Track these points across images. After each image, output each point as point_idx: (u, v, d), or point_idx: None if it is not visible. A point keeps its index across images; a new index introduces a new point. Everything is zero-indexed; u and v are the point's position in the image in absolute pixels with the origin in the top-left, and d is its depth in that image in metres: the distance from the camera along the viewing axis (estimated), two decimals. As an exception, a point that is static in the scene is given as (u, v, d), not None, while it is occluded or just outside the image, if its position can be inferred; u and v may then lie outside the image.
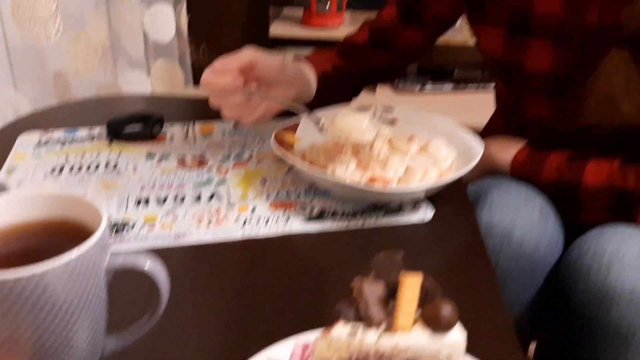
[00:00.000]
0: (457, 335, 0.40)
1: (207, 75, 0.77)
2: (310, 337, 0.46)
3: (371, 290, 0.40)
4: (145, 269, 0.46)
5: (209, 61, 2.04)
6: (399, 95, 2.09)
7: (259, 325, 0.56)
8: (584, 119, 0.82)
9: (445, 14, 0.97)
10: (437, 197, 0.76)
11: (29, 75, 1.22)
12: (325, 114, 0.87)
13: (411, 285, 0.39)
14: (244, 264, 0.66)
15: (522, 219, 0.75)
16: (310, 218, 0.73)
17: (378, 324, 0.39)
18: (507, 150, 0.89)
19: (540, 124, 0.90)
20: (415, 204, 0.76)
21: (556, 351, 0.77)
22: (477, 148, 0.80)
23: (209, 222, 0.71)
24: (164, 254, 0.66)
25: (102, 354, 0.48)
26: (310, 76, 0.94)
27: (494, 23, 0.87)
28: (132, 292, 0.59)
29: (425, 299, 0.41)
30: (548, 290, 0.76)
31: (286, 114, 0.85)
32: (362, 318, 0.39)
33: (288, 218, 0.73)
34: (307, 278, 0.64)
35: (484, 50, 0.93)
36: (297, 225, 0.72)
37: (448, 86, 2.10)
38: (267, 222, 0.72)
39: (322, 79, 0.96)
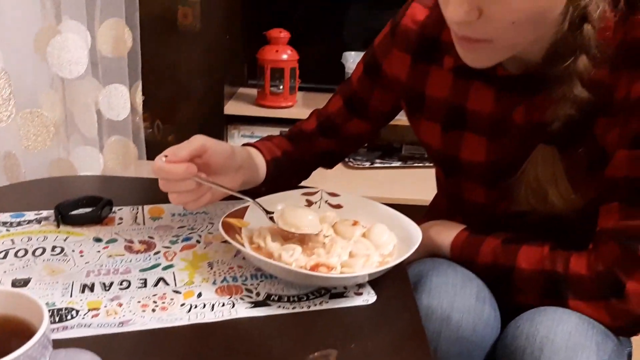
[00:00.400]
0: None
1: (159, 162, 0.80)
2: None
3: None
4: (85, 365, 0.46)
5: (164, 137, 2.08)
6: (350, 170, 2.15)
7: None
8: (517, 206, 0.88)
9: (386, 109, 1.04)
10: (379, 280, 0.79)
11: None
12: (272, 199, 0.90)
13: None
14: (190, 349, 0.67)
15: (460, 303, 0.78)
16: (256, 303, 0.75)
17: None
18: (447, 233, 0.93)
19: (477, 208, 0.95)
20: (359, 287, 0.78)
21: None
22: (416, 234, 0.83)
23: (154, 309, 0.72)
24: (108, 340, 0.66)
25: None
26: (259, 161, 0.98)
27: (431, 118, 0.94)
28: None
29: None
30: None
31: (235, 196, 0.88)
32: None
33: (234, 304, 0.74)
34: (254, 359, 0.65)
35: (423, 142, 0.99)
36: (242, 310, 0.73)
37: (396, 162, 2.19)
38: (212, 308, 0.73)
39: (274, 164, 1.00)
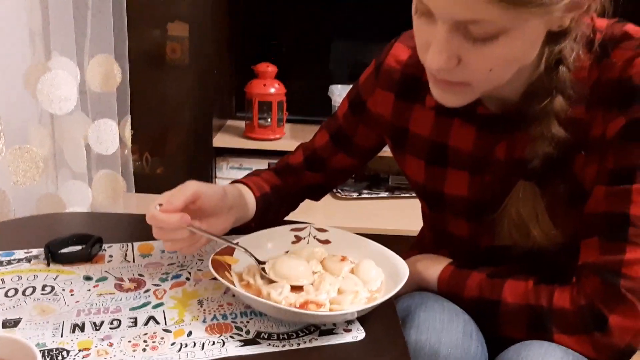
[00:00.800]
0: None
1: (153, 211, 0.81)
2: None
3: None
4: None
5: (152, 170, 2.09)
6: (338, 201, 2.17)
7: None
8: (500, 240, 0.90)
9: (371, 144, 1.06)
10: (368, 316, 0.80)
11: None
12: (260, 236, 0.92)
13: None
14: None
15: (447, 338, 0.79)
16: (246, 342, 0.75)
17: None
18: (434, 268, 0.95)
19: (462, 241, 0.97)
20: (348, 323, 0.79)
21: None
22: (403, 270, 0.85)
23: (145, 349, 0.72)
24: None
25: None
26: (249, 198, 0.99)
27: (414, 154, 0.96)
28: None
29: None
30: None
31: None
32: None
33: (224, 342, 0.75)
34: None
35: (408, 176, 1.01)
36: (232, 349, 0.73)
37: (384, 193, 2.21)
38: (202, 346, 0.74)
39: (263, 200, 1.02)
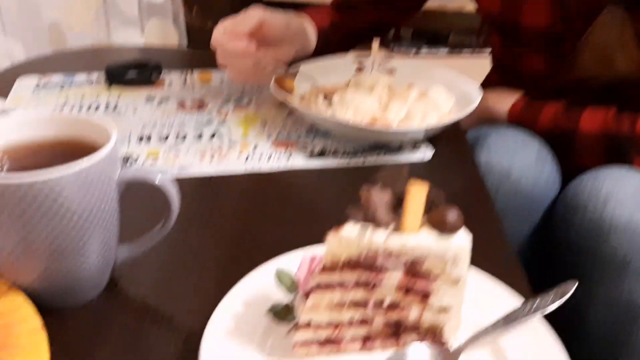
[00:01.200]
0: (463, 238, 0.41)
1: (219, 36, 0.77)
2: (317, 250, 0.47)
3: (379, 196, 0.41)
4: (156, 182, 0.46)
5: (202, 24, 2.02)
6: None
7: (265, 243, 0.58)
8: (579, 73, 0.83)
9: None
10: (436, 139, 0.77)
11: (23, 24, 1.21)
12: (324, 65, 0.88)
13: (418, 192, 0.40)
14: (248, 194, 0.67)
15: (520, 160, 0.76)
16: (312, 156, 0.74)
17: (386, 225, 0.40)
18: (505, 101, 0.90)
19: (536, 79, 0.91)
20: (414, 145, 0.77)
21: (552, 282, 0.79)
22: (475, 94, 0.80)
23: (212, 157, 0.72)
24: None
25: (115, 262, 0.49)
26: (310, 31, 0.94)
27: None
28: (144, 208, 0.60)
29: (431, 207, 0.42)
30: (544, 227, 0.78)
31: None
32: (371, 220, 0.40)
33: (290, 155, 0.74)
34: (310, 207, 0.65)
35: (483, 8, 0.93)
36: (299, 161, 0.72)
37: (443, 51, 2.11)
38: (269, 158, 0.73)
39: (321, 36, 0.96)
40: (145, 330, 0.47)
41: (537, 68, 0.90)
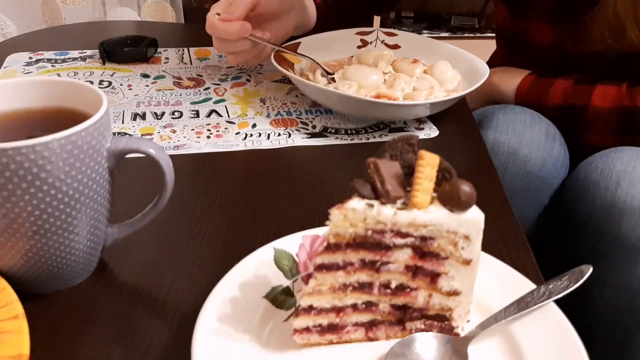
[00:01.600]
0: (476, 215, 0.39)
1: (213, 19, 0.73)
2: (318, 231, 0.45)
3: (387, 167, 0.38)
4: (150, 151, 0.44)
5: (199, 3, 1.96)
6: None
7: (264, 224, 0.55)
8: (589, 45, 0.80)
9: None
10: (441, 117, 0.75)
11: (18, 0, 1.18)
12: (325, 38, 0.84)
13: (429, 163, 0.38)
14: (247, 171, 0.65)
15: (528, 139, 0.74)
16: (313, 135, 0.71)
17: (395, 200, 0.37)
18: (511, 79, 0.87)
19: (544, 51, 0.88)
20: (420, 122, 0.74)
21: (562, 263, 0.77)
22: (482, 70, 0.77)
23: (209, 136, 0.69)
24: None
25: (104, 243, 0.47)
26: (309, 4, 0.91)
27: None
28: (136, 188, 0.58)
29: (442, 179, 0.39)
30: (553, 207, 0.75)
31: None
32: (378, 194, 0.38)
33: (290, 134, 0.71)
34: (311, 184, 0.63)
35: None
36: (299, 140, 0.70)
37: (445, 33, 2.07)
38: (268, 137, 0.70)
39: (321, 11, 0.93)
40: (136, 316, 0.44)
41: (543, 39, 0.87)
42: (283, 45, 0.81)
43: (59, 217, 0.41)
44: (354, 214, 0.37)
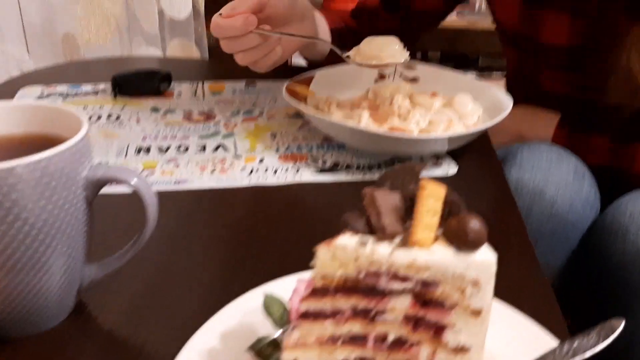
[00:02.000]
0: (487, 256, 0.34)
1: (216, 18, 0.71)
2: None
3: (385, 198, 0.34)
4: (132, 183, 0.40)
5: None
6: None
7: (261, 266, 0.51)
8: (607, 100, 0.76)
9: None
10: (461, 153, 0.70)
11: (39, 36, 1.19)
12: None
13: (433, 194, 0.33)
14: (248, 210, 0.61)
15: (555, 178, 0.68)
16: (323, 170, 0.67)
17: (392, 236, 0.33)
18: (541, 128, 0.82)
19: (557, 99, 0.84)
20: (437, 159, 0.69)
21: (591, 317, 0.70)
22: (505, 102, 0.73)
23: (213, 171, 0.66)
24: (163, 198, 0.61)
25: (81, 284, 0.43)
26: (322, 24, 0.88)
27: None
28: (121, 224, 0.54)
29: (448, 214, 0.34)
30: (581, 254, 0.69)
31: (298, 71, 0.80)
32: (373, 229, 0.33)
33: (298, 169, 0.67)
34: (317, 224, 0.58)
35: (500, 21, 0.87)
36: (307, 176, 0.66)
37: (472, 73, 2.03)
38: (275, 172, 0.66)
39: (335, 36, 0.90)
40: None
41: (557, 87, 0.83)
42: (295, 79, 0.78)
43: (25, 252, 0.37)
44: (344, 252, 0.32)
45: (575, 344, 0.36)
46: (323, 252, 0.32)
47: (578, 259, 0.70)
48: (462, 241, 0.33)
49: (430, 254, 0.33)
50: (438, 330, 0.34)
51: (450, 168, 0.68)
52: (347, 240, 0.32)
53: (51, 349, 0.41)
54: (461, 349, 0.35)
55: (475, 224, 0.33)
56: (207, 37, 1.90)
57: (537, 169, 0.69)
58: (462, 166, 0.69)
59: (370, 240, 0.33)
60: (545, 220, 0.67)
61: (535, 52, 0.83)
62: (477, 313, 0.34)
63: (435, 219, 0.33)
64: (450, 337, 0.34)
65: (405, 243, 0.33)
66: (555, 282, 0.69)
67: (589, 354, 0.35)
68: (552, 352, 0.37)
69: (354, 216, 0.34)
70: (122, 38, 1.52)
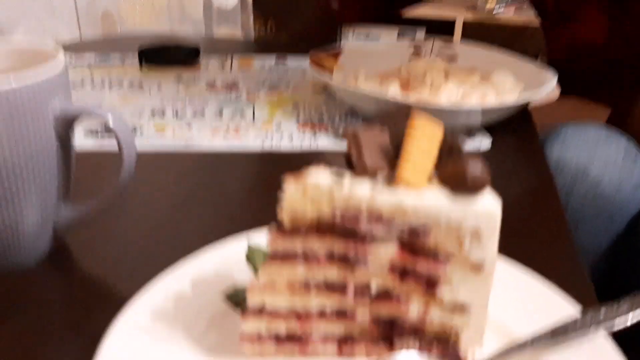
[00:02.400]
0: (490, 203, 0.28)
1: None
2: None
3: (370, 136, 0.29)
4: (109, 122, 0.37)
5: (276, 39, 1.94)
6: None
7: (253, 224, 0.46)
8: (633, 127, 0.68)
9: None
10: (498, 128, 0.64)
11: (84, 17, 1.20)
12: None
13: (426, 131, 0.28)
14: (258, 175, 0.57)
15: (602, 156, 0.61)
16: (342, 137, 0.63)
17: (373, 173, 0.28)
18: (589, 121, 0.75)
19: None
20: (469, 133, 0.64)
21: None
22: (549, 79, 0.66)
23: (226, 133, 0.63)
24: (171, 158, 0.58)
25: (57, 223, 0.40)
26: None
27: None
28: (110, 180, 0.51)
29: (446, 156, 0.29)
30: (629, 240, 0.61)
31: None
32: (353, 166, 0.28)
33: (316, 136, 0.63)
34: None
35: None
36: (326, 142, 0.61)
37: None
38: (291, 138, 0.62)
39: None
40: (87, 304, 0.37)
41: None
42: (321, 50, 0.74)
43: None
44: (316, 189, 0.27)
45: (601, 314, 0.30)
46: (291, 187, 0.27)
47: (625, 243, 0.62)
48: (458, 184, 0.28)
49: (419, 196, 0.28)
50: (430, 283, 0.29)
51: (483, 142, 0.62)
52: (320, 175, 0.28)
53: (25, 287, 0.39)
54: (459, 308, 0.29)
55: (475, 164, 0.28)
56: (254, 30, 1.89)
57: (582, 147, 0.62)
58: (497, 141, 0.63)
59: (347, 175, 0.28)
60: (588, 201, 0.60)
61: None
62: (477, 268, 0.28)
63: (428, 161, 0.28)
64: (446, 292, 0.29)
65: (390, 182, 0.28)
66: (599, 267, 0.62)
67: (617, 325, 0.29)
68: (573, 320, 0.31)
69: (336, 156, 0.29)
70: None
